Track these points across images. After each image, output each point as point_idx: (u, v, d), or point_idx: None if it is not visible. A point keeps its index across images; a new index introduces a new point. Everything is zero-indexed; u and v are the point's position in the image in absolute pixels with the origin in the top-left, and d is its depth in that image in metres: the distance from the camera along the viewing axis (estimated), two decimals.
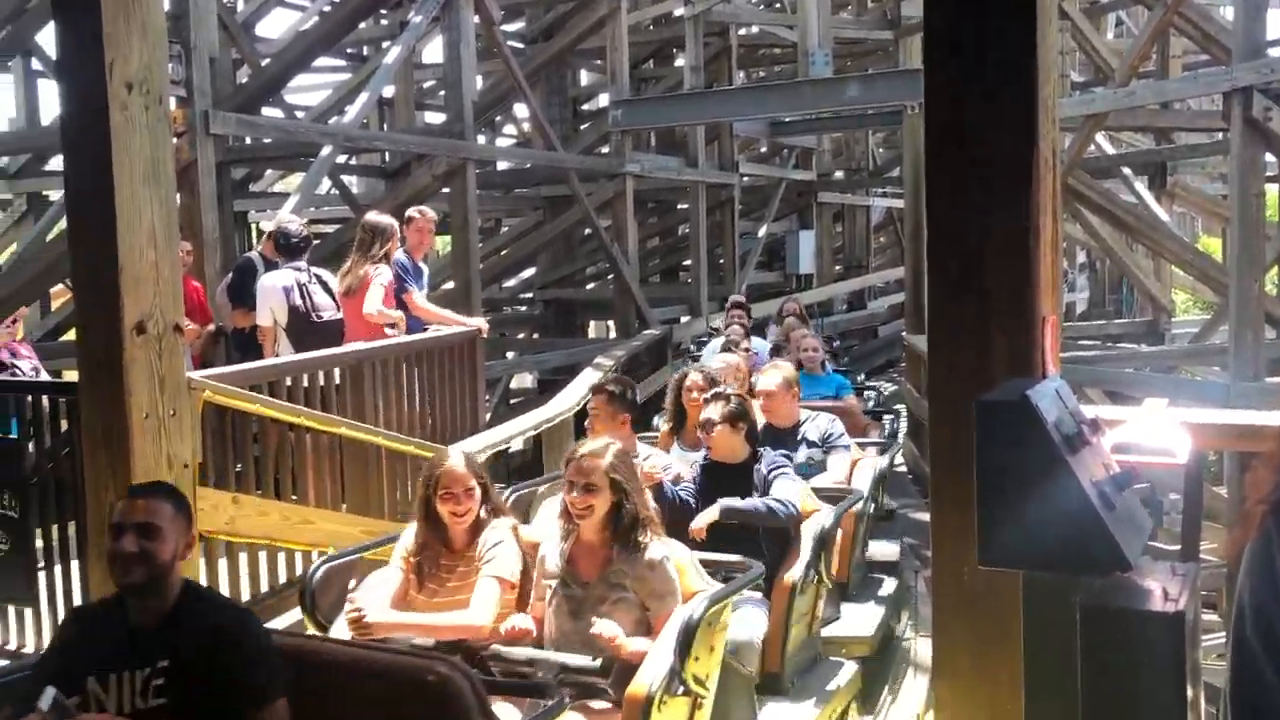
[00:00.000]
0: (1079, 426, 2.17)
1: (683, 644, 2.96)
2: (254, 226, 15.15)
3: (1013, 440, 2.07)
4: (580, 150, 14.08)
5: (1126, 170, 14.98)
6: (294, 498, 4.85)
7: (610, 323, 16.26)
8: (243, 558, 4.72)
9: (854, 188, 20.75)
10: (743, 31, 17.32)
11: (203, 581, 3.99)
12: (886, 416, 7.01)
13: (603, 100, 16.38)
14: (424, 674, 2.45)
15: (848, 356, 15.22)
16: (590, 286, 17.84)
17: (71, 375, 4.53)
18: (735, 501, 4.07)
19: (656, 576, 3.21)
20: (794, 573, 3.99)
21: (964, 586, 2.63)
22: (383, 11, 14.69)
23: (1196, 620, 2.08)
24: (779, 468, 4.26)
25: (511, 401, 15.25)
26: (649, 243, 18.72)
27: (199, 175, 7.52)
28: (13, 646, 4.34)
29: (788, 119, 14.75)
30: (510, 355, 14.82)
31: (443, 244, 17.32)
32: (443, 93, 13.52)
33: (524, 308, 17.75)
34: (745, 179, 16.86)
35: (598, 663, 3.09)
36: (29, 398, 4.35)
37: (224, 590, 4.43)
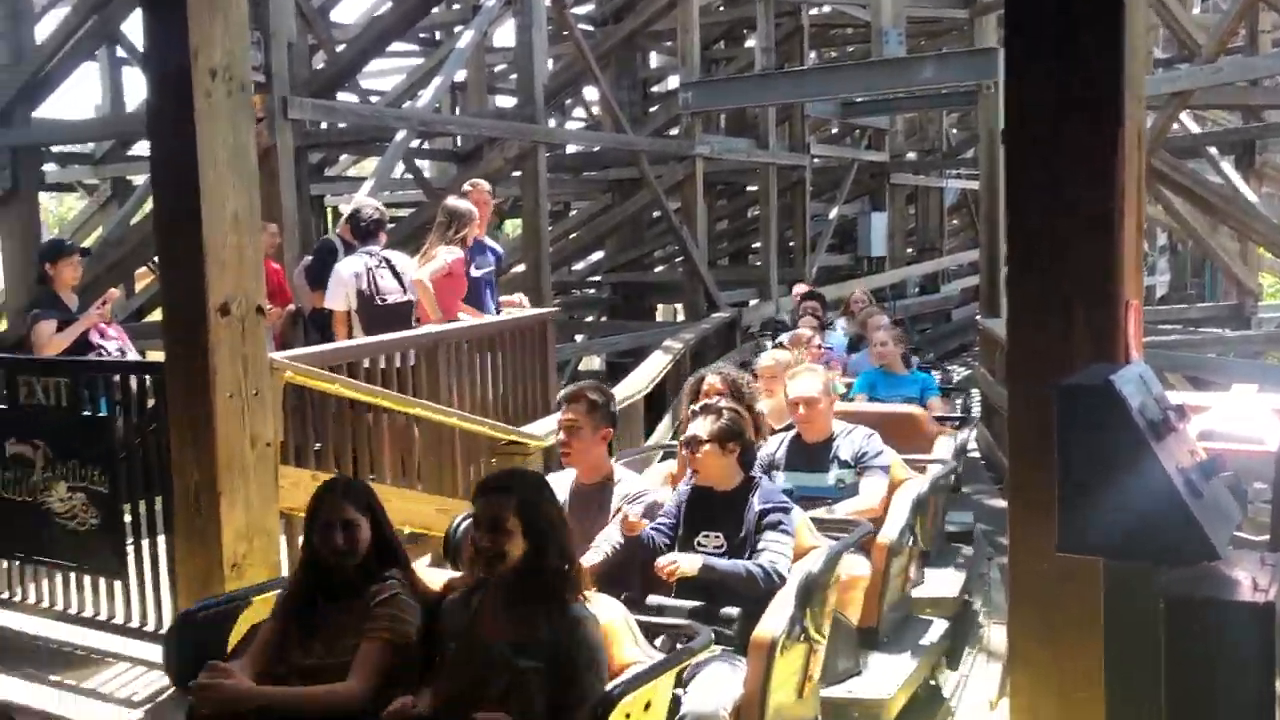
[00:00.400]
0: (1164, 412, 2.13)
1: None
2: (330, 210, 15.42)
3: (1095, 425, 2.04)
4: (650, 133, 14.05)
5: (1212, 149, 14.56)
6: (372, 476, 4.94)
7: (678, 306, 16.24)
8: None
9: (927, 169, 20.42)
10: (814, 11, 17.10)
11: (284, 558, 4.09)
12: (959, 399, 7.01)
13: (673, 82, 16.29)
14: None
15: (931, 352, 14.74)
16: (659, 269, 17.83)
17: (155, 355, 4.65)
18: (716, 561, 3.51)
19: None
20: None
21: (1042, 573, 2.60)
22: None
23: None
24: (775, 509, 3.59)
25: None
26: (718, 225, 18.61)
27: (278, 160, 7.62)
28: (103, 617, 4.49)
29: (860, 99, 14.54)
30: (579, 338, 14.90)
31: (513, 227, 17.45)
32: (514, 76, 13.59)
33: (593, 291, 17.82)
34: (816, 160, 16.68)
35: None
36: (117, 377, 4.47)
37: None
